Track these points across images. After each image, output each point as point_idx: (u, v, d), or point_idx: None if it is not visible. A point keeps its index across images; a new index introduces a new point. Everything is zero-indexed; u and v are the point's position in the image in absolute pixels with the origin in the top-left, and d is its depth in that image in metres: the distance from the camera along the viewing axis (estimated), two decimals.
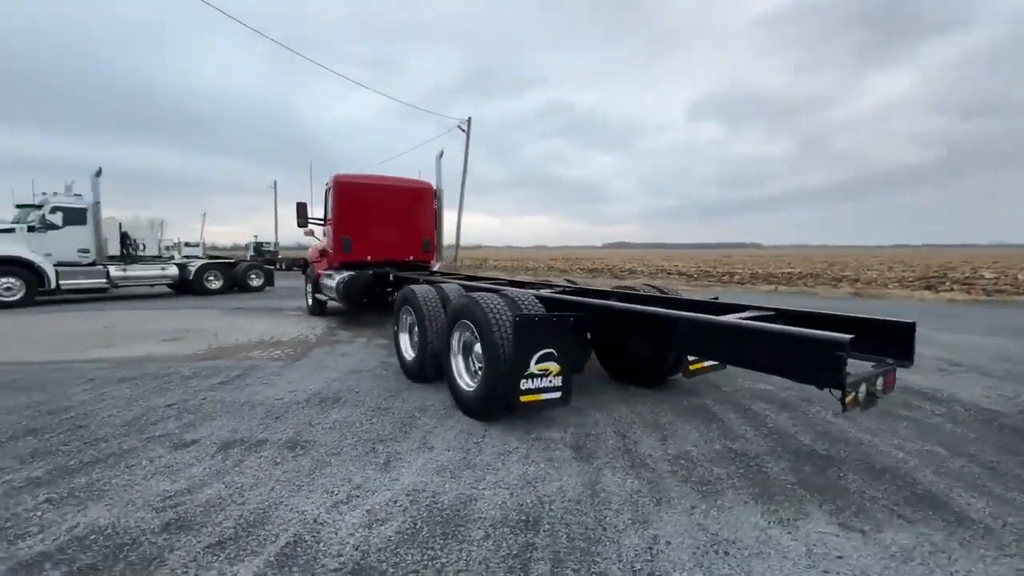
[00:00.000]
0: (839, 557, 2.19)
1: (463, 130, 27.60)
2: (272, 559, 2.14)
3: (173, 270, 14.64)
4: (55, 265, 12.13)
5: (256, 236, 39.09)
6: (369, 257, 9.26)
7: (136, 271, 13.83)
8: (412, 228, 9.73)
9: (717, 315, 3.28)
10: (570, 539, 2.31)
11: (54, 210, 12.35)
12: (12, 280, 11.48)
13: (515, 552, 2.20)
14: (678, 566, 2.12)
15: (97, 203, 12.59)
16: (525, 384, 3.49)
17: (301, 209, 9.64)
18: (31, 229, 11.94)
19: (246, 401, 4.37)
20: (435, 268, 10.22)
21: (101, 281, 12.91)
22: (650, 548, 2.25)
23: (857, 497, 2.73)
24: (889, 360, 2.89)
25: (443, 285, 5.32)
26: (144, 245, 15.59)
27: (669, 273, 27.52)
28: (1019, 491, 2.80)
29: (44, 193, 12.73)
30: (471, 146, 27.60)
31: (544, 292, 4.88)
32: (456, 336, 4.27)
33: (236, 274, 16.01)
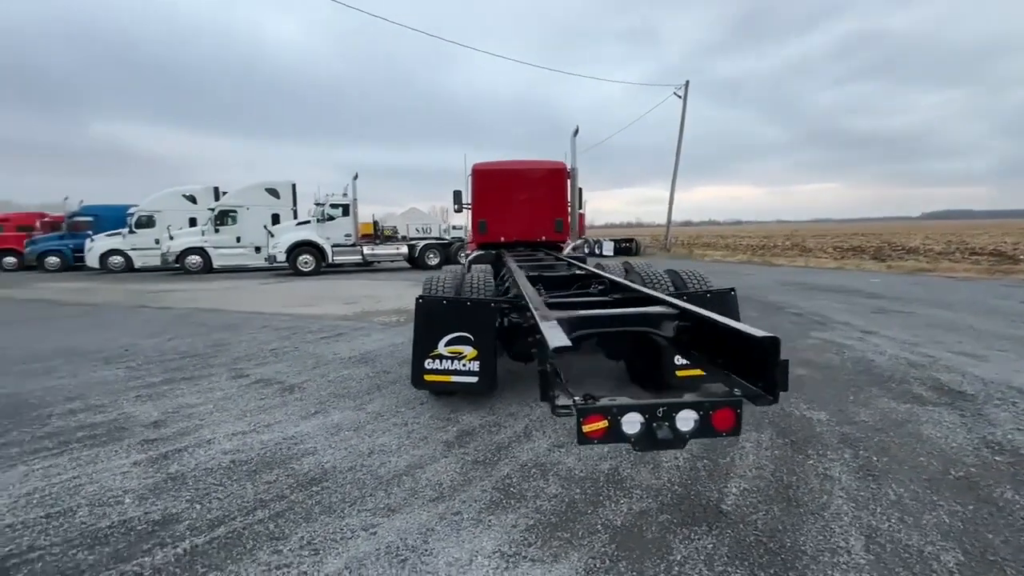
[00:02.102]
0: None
1: (679, 96, 25.48)
2: (155, 455, 3.10)
3: (404, 249, 18.61)
4: (332, 246, 17.06)
5: None
6: (502, 238, 9.99)
7: (380, 250, 18.19)
8: (544, 209, 9.98)
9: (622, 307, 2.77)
10: (317, 503, 2.55)
11: (333, 206, 17.30)
12: (308, 257, 16.73)
13: (273, 496, 2.60)
14: (337, 543, 2.15)
15: (354, 199, 17.06)
16: (430, 364, 3.63)
17: (456, 196, 11.05)
18: (319, 220, 17.05)
19: (314, 353, 5.71)
20: (567, 249, 10.28)
21: (358, 258, 17.51)
22: (354, 532, 2.31)
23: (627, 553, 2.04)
24: (736, 391, 1.96)
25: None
26: (430, 228, 20.12)
27: (972, 253, 19.55)
28: None
29: (328, 194, 17.91)
30: (688, 112, 25.26)
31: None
32: None
33: (450, 252, 19.20)
